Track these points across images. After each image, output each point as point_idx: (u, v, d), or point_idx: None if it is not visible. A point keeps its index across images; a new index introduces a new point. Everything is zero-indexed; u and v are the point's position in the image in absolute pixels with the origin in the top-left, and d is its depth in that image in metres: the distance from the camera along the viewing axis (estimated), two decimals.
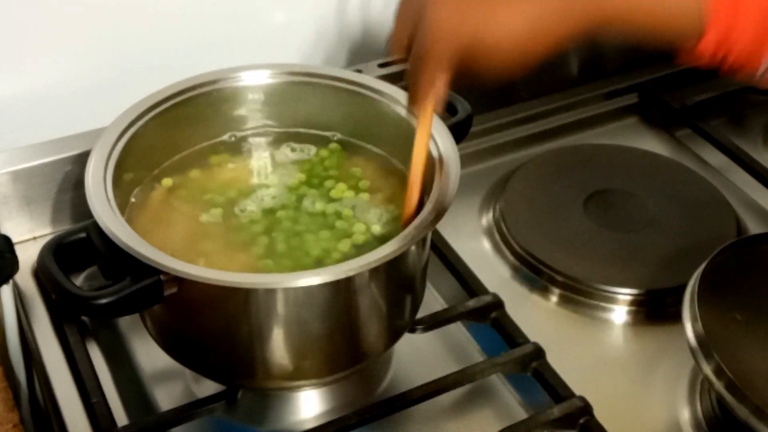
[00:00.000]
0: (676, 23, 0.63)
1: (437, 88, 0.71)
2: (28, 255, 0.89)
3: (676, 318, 0.81)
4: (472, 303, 0.87)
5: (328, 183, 0.83)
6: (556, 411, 0.78)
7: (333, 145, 0.87)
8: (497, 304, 0.87)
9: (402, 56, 0.71)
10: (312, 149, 0.87)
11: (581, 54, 1.19)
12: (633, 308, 0.92)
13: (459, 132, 0.83)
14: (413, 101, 0.73)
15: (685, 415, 0.83)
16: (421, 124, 0.75)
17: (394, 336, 0.80)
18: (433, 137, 0.79)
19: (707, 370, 0.76)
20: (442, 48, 0.67)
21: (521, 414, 0.82)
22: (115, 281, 0.69)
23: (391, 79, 0.88)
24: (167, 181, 0.83)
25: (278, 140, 0.88)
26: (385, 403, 0.79)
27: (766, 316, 0.81)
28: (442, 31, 0.66)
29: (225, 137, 0.88)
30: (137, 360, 0.86)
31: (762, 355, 0.79)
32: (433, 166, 0.78)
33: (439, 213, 0.73)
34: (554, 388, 0.80)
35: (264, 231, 0.79)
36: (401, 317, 0.80)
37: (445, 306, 0.90)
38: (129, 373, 0.85)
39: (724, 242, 0.86)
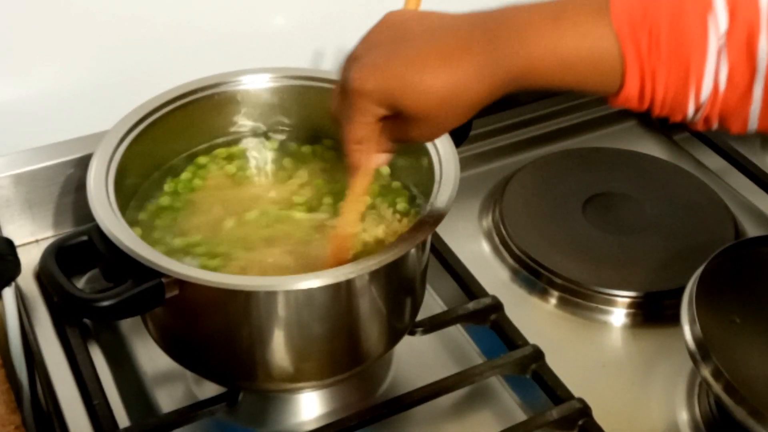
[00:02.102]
0: (596, 75, 0.63)
1: (369, 149, 0.70)
2: (30, 258, 0.89)
3: (674, 320, 0.82)
4: (471, 305, 0.87)
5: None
6: (555, 413, 0.78)
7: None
8: (496, 306, 0.87)
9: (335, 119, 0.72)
10: (311, 150, 0.88)
11: None
12: (631, 311, 0.92)
13: (458, 135, 0.83)
14: (349, 165, 0.72)
15: (683, 416, 0.83)
16: (353, 188, 0.74)
17: (394, 338, 0.81)
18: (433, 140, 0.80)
19: (705, 372, 0.76)
20: (364, 107, 0.67)
21: (520, 416, 0.82)
22: (116, 284, 0.69)
23: None
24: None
25: (279, 143, 0.89)
26: (385, 405, 0.79)
27: (763, 318, 0.82)
28: (363, 87, 0.66)
29: (226, 141, 0.88)
30: (139, 362, 0.87)
31: (760, 357, 0.79)
32: (432, 169, 0.78)
33: (439, 216, 0.73)
34: (553, 390, 0.81)
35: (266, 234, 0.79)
36: (401, 319, 0.80)
37: (445, 308, 0.90)
38: (130, 375, 0.86)
39: (722, 245, 0.86)
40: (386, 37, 0.68)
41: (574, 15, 0.63)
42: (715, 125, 0.63)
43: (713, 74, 0.60)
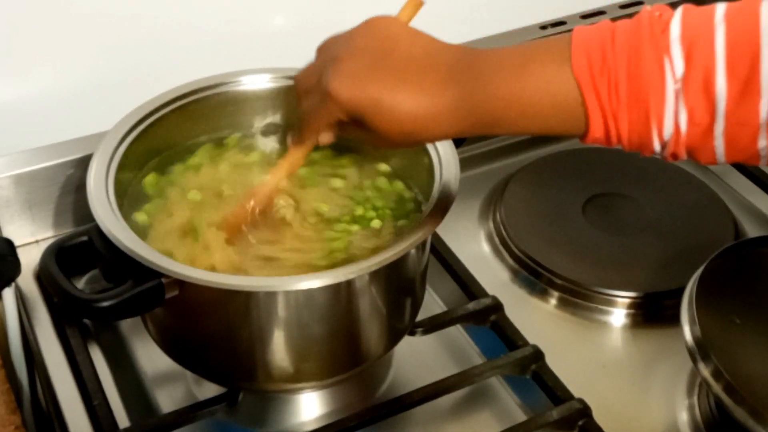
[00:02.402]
0: (561, 121, 0.64)
1: (316, 139, 0.75)
2: (30, 258, 0.89)
3: (674, 321, 0.82)
4: (471, 306, 0.87)
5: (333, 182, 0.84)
6: (555, 413, 0.78)
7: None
8: (496, 307, 0.87)
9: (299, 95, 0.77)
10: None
11: None
12: (631, 311, 0.92)
13: None
14: (294, 141, 0.78)
15: (683, 417, 0.83)
16: (287, 159, 0.79)
17: (394, 339, 0.81)
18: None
19: (705, 372, 0.76)
20: (333, 110, 0.70)
21: (520, 416, 0.82)
22: (116, 284, 0.69)
23: None
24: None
25: (279, 143, 0.89)
26: (385, 406, 0.79)
27: (763, 318, 0.82)
28: (338, 95, 0.69)
29: (226, 141, 0.88)
30: (139, 362, 0.87)
31: (760, 358, 0.79)
32: (432, 169, 0.78)
33: (439, 216, 0.73)
34: (553, 390, 0.81)
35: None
36: (401, 320, 0.80)
37: (445, 309, 0.90)
38: (130, 375, 0.86)
39: (722, 245, 0.86)
40: (373, 47, 0.70)
41: (539, 62, 0.64)
42: (684, 158, 0.64)
43: (673, 116, 0.61)
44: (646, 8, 0.63)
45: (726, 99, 0.59)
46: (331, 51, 0.72)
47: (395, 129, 0.68)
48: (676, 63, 0.60)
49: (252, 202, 0.79)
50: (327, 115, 0.71)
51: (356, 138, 0.74)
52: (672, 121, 0.61)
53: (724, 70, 0.59)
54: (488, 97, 0.65)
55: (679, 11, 0.62)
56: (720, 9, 0.61)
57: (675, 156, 0.64)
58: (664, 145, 0.63)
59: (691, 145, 0.62)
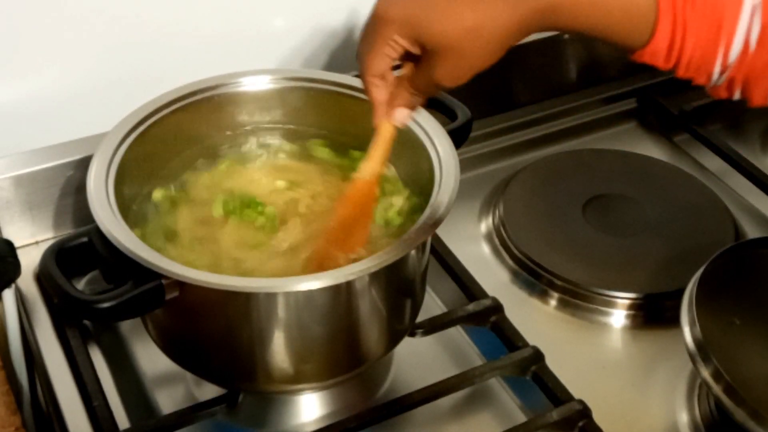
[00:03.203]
0: (628, 22, 0.63)
1: (389, 88, 0.70)
2: (30, 259, 0.89)
3: (674, 322, 0.82)
4: (471, 307, 0.87)
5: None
6: (555, 414, 0.78)
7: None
8: (496, 308, 0.87)
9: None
10: (312, 152, 0.88)
11: (580, 59, 1.20)
12: (631, 312, 0.92)
13: (458, 137, 0.83)
14: (373, 111, 0.72)
15: (683, 418, 0.83)
16: (377, 140, 0.74)
17: (394, 340, 0.81)
18: (433, 142, 0.80)
19: (705, 373, 0.76)
20: (386, 32, 0.66)
21: (520, 417, 0.82)
22: (116, 285, 0.69)
23: None
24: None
25: (279, 144, 0.89)
26: (385, 407, 0.79)
27: (763, 319, 0.82)
28: (386, 11, 0.65)
29: (226, 142, 0.88)
30: (139, 363, 0.87)
31: (760, 359, 0.79)
32: (432, 170, 0.78)
33: (439, 217, 0.73)
34: (553, 391, 0.81)
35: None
36: (401, 321, 0.80)
37: (445, 310, 0.90)
38: (130, 376, 0.86)
39: (722, 247, 0.87)
40: None
41: None
42: (737, 92, 0.62)
43: (745, 32, 0.59)
44: None
45: None
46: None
47: (455, 34, 0.63)
48: None
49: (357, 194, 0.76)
50: (382, 46, 0.66)
51: (428, 85, 0.68)
52: (743, 37, 0.59)
53: None
54: None
55: None
56: None
57: (730, 86, 0.62)
58: (724, 70, 0.61)
59: (753, 71, 0.60)
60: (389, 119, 0.72)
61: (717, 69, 0.61)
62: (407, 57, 0.68)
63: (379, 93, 0.70)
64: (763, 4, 0.59)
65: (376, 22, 0.66)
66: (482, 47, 0.65)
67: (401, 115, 0.71)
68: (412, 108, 0.71)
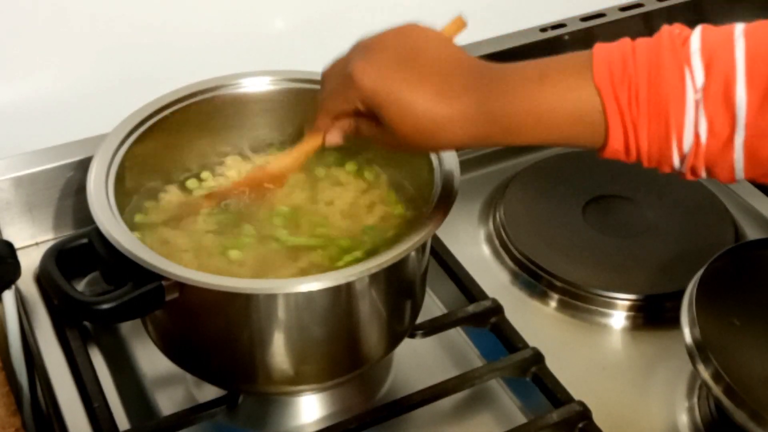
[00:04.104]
0: (580, 132, 0.65)
1: (330, 125, 0.74)
2: (30, 260, 0.89)
3: (674, 323, 0.82)
4: (471, 308, 0.87)
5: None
6: (555, 415, 0.78)
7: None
8: (496, 309, 0.87)
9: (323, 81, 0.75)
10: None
11: None
12: (631, 313, 0.92)
13: None
14: (314, 127, 0.76)
15: (683, 419, 0.83)
16: (302, 146, 0.77)
17: (394, 341, 0.81)
18: None
19: (705, 374, 0.76)
20: (352, 95, 0.69)
21: (520, 418, 0.82)
22: (116, 287, 0.69)
23: None
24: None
25: (279, 146, 0.89)
26: (385, 408, 0.79)
27: (763, 320, 0.82)
28: (361, 80, 0.68)
29: (226, 143, 0.88)
30: (139, 365, 0.87)
31: (760, 360, 0.79)
32: (432, 171, 0.78)
33: (439, 219, 0.73)
34: (553, 392, 0.81)
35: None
36: (401, 322, 0.80)
37: (445, 311, 0.90)
38: (130, 377, 0.86)
39: (722, 248, 0.87)
40: (403, 45, 0.69)
41: (559, 73, 0.65)
42: (702, 175, 0.64)
43: (693, 126, 0.61)
44: (665, 26, 0.63)
45: (746, 109, 0.59)
46: (361, 44, 0.71)
47: (410, 127, 0.67)
48: (697, 73, 0.60)
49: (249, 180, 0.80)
50: (345, 100, 0.70)
51: (366, 136, 0.73)
52: (692, 131, 0.61)
53: (744, 80, 0.59)
54: (506, 104, 0.65)
55: (699, 28, 0.62)
56: (739, 26, 0.61)
57: (694, 171, 0.63)
58: (683, 159, 0.63)
59: (710, 157, 0.62)
60: (322, 136, 0.75)
61: (676, 160, 0.63)
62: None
63: (324, 124, 0.74)
64: (705, 98, 0.60)
65: (347, 83, 0.69)
66: (425, 144, 0.69)
67: (334, 138, 0.74)
68: (346, 138, 0.75)
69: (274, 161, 0.80)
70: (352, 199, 0.83)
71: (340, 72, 0.71)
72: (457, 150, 0.73)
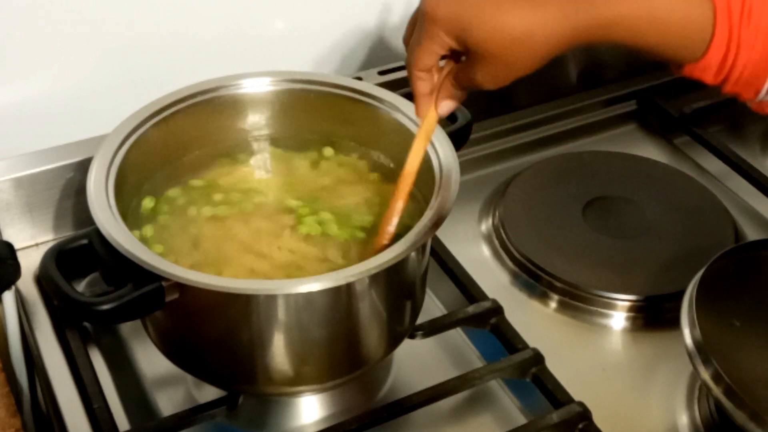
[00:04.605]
0: (682, 37, 0.63)
1: (433, 81, 0.70)
2: (30, 261, 0.89)
3: (674, 324, 0.82)
4: (471, 309, 0.87)
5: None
6: (555, 416, 0.78)
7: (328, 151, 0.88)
8: (496, 310, 0.87)
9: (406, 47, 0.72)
10: (312, 155, 0.88)
11: (580, 61, 1.20)
12: (631, 314, 0.92)
13: (459, 139, 0.83)
14: (416, 102, 0.73)
15: (683, 420, 0.83)
16: (421, 129, 0.75)
17: (393, 342, 0.81)
18: (433, 144, 0.80)
19: (705, 375, 0.76)
20: (433, 32, 0.66)
21: (520, 419, 0.82)
22: (116, 287, 0.69)
23: (391, 86, 0.88)
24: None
25: (279, 146, 0.89)
26: (385, 409, 0.79)
27: (763, 321, 0.82)
28: (434, 10, 0.65)
29: (226, 144, 0.88)
30: (139, 365, 0.87)
31: (760, 361, 0.79)
32: (432, 172, 0.78)
33: (439, 219, 0.73)
34: (553, 393, 0.81)
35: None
36: (401, 323, 0.80)
37: (445, 312, 0.90)
38: (130, 378, 0.86)
39: (722, 249, 0.86)
40: None
41: None
42: None
43: None
44: None
45: None
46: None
47: (502, 41, 0.63)
48: None
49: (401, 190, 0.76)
50: (430, 42, 0.66)
51: (469, 81, 0.68)
52: None
53: None
54: (609, 3, 0.63)
55: None
56: None
57: None
58: None
59: None
60: (434, 109, 0.72)
61: (766, 86, 0.62)
62: (453, 52, 0.69)
63: (424, 86, 0.71)
64: None
65: (424, 19, 0.66)
66: (527, 57, 0.65)
67: (445, 107, 0.72)
68: (456, 100, 0.72)
69: (408, 163, 0.76)
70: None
71: (417, 21, 0.67)
72: (551, 57, 0.66)
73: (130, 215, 0.79)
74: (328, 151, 0.88)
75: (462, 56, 0.70)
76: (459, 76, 0.69)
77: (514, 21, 0.63)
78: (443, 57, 0.71)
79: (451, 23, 0.65)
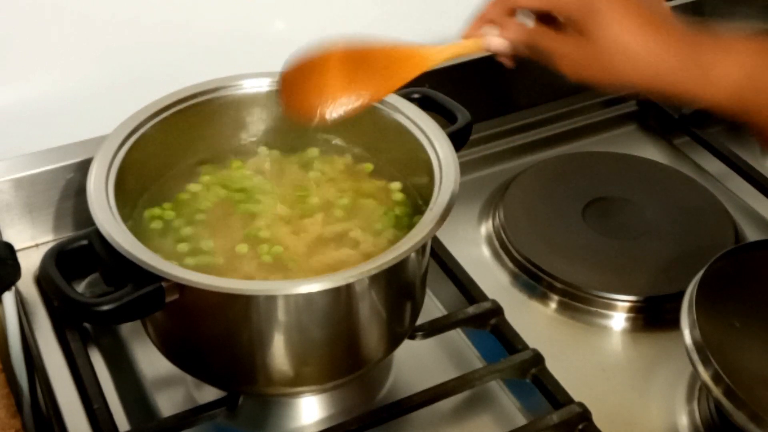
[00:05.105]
0: None
1: (503, 18, 0.66)
2: (30, 262, 0.89)
3: (674, 324, 0.82)
4: (471, 310, 0.87)
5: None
6: (555, 417, 0.78)
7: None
8: (496, 310, 0.87)
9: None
10: (312, 155, 0.88)
11: None
12: (631, 315, 0.92)
13: (458, 140, 0.83)
14: (471, 22, 0.69)
15: (683, 420, 0.83)
16: (456, 44, 0.70)
17: (393, 342, 0.81)
18: (433, 144, 0.80)
19: (705, 376, 0.76)
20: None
21: (520, 420, 0.82)
22: (116, 288, 0.69)
23: None
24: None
25: (279, 148, 0.89)
26: (385, 409, 0.79)
27: (763, 322, 0.82)
28: None
29: (226, 145, 0.88)
30: (139, 366, 0.87)
31: (760, 361, 0.79)
32: (432, 173, 0.78)
33: (439, 220, 0.73)
34: (553, 394, 0.81)
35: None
36: (401, 324, 0.80)
37: (445, 312, 0.90)
38: (130, 379, 0.86)
39: (722, 249, 0.86)
40: None
41: None
42: None
43: None
44: None
45: None
46: None
47: (619, 41, 0.62)
48: None
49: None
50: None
51: (539, 47, 0.65)
52: None
53: None
54: (720, 60, 0.62)
55: None
56: None
57: None
58: None
59: None
60: (481, 37, 0.68)
61: None
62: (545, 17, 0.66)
63: (491, 12, 0.67)
64: None
65: None
66: (621, 70, 0.64)
67: (495, 42, 0.68)
68: (511, 48, 0.68)
69: (425, 49, 0.70)
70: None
71: None
72: (631, 90, 0.67)
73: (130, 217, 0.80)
74: (313, 151, 0.88)
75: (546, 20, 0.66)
76: (541, 39, 0.66)
77: (646, 42, 0.63)
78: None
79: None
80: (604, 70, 0.65)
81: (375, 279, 0.72)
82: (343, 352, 0.77)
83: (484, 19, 0.68)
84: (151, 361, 0.86)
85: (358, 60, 0.71)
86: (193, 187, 0.84)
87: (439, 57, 0.72)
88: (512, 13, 0.67)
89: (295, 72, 0.73)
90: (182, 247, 0.77)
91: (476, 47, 0.70)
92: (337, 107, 0.70)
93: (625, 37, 0.63)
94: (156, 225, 0.80)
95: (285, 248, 0.77)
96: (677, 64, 0.63)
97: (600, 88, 0.66)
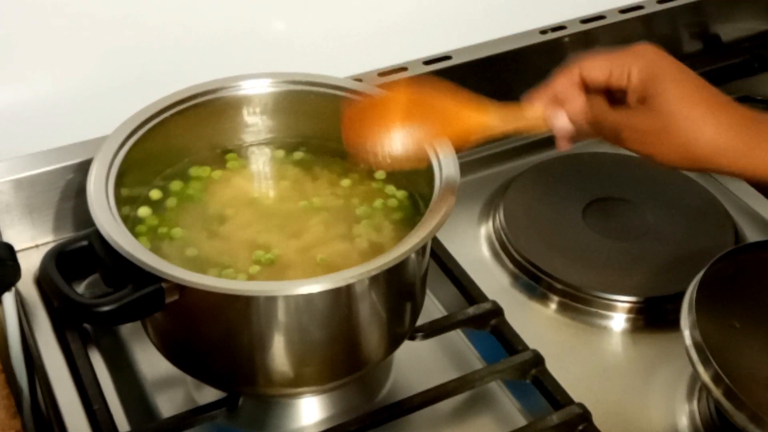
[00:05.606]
0: None
1: (570, 92, 0.67)
2: (30, 263, 0.89)
3: (674, 325, 0.82)
4: (471, 310, 0.87)
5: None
6: (555, 418, 0.78)
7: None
8: (496, 311, 0.87)
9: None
10: (312, 156, 0.88)
11: None
12: (631, 315, 0.92)
13: None
14: (537, 92, 0.69)
15: (683, 421, 0.83)
16: (516, 113, 0.71)
17: (394, 343, 0.81)
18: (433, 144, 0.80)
19: (705, 376, 0.76)
20: (630, 59, 0.65)
21: (520, 421, 0.82)
22: (116, 289, 0.69)
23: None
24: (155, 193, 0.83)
25: (279, 148, 0.89)
26: (385, 410, 0.79)
27: (763, 322, 0.82)
28: (655, 50, 0.64)
29: (226, 146, 0.88)
30: (139, 367, 0.87)
31: (760, 362, 0.79)
32: (432, 173, 0.78)
33: (439, 221, 0.73)
34: (553, 394, 0.81)
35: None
36: (401, 324, 0.80)
37: (445, 313, 0.90)
38: (130, 379, 0.86)
39: (722, 250, 0.86)
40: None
41: None
42: None
43: None
44: None
45: None
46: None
47: (688, 116, 0.63)
48: None
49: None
50: (616, 60, 0.64)
51: (599, 120, 0.66)
52: None
53: None
54: None
55: None
56: None
57: None
58: None
59: None
60: (549, 115, 0.68)
61: None
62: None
63: (561, 85, 0.68)
64: None
65: (628, 51, 0.65)
66: (683, 156, 0.66)
67: (562, 121, 0.68)
68: (572, 128, 0.69)
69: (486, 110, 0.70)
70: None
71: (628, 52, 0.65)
72: (688, 167, 0.68)
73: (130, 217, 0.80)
74: (298, 154, 0.88)
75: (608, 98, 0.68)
76: (608, 113, 0.67)
77: (706, 118, 0.64)
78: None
79: (649, 66, 0.64)
80: (669, 144, 0.66)
81: (375, 280, 0.72)
82: (343, 353, 0.77)
83: (550, 92, 0.69)
84: (151, 362, 0.86)
85: (422, 108, 0.71)
86: (192, 186, 0.84)
87: (502, 129, 0.71)
88: (580, 87, 0.68)
89: (359, 110, 0.74)
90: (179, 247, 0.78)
91: (541, 124, 0.70)
92: (394, 147, 0.70)
93: (694, 112, 0.64)
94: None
95: (285, 249, 0.77)
96: (740, 143, 0.65)
97: (661, 166, 0.68)
